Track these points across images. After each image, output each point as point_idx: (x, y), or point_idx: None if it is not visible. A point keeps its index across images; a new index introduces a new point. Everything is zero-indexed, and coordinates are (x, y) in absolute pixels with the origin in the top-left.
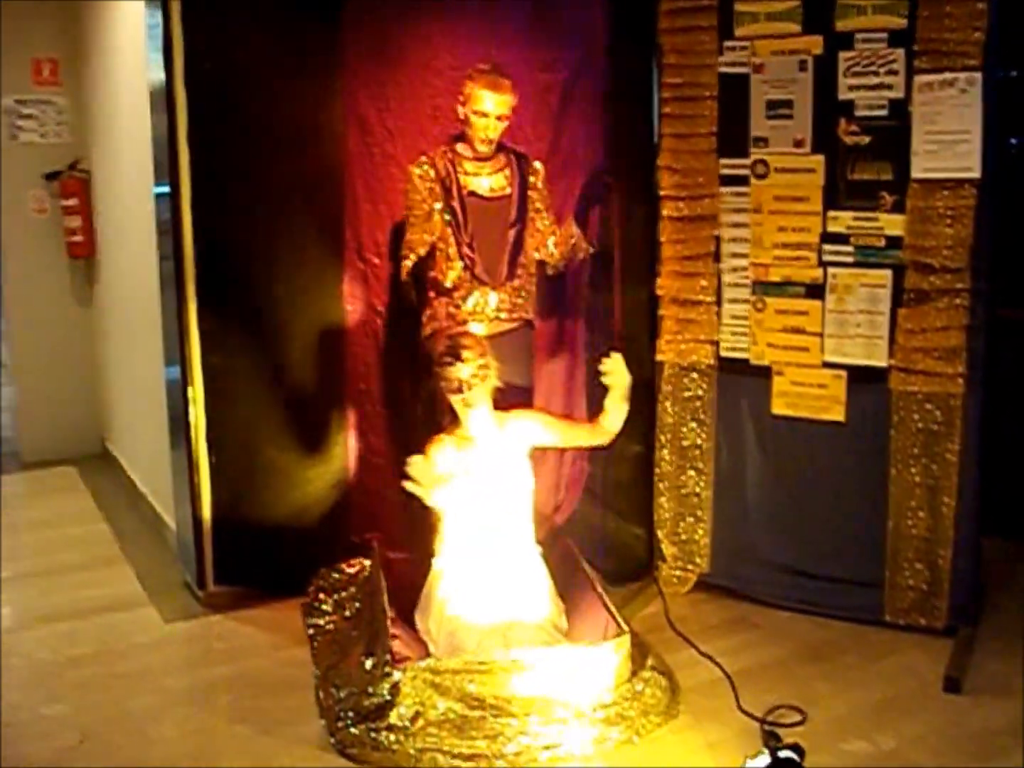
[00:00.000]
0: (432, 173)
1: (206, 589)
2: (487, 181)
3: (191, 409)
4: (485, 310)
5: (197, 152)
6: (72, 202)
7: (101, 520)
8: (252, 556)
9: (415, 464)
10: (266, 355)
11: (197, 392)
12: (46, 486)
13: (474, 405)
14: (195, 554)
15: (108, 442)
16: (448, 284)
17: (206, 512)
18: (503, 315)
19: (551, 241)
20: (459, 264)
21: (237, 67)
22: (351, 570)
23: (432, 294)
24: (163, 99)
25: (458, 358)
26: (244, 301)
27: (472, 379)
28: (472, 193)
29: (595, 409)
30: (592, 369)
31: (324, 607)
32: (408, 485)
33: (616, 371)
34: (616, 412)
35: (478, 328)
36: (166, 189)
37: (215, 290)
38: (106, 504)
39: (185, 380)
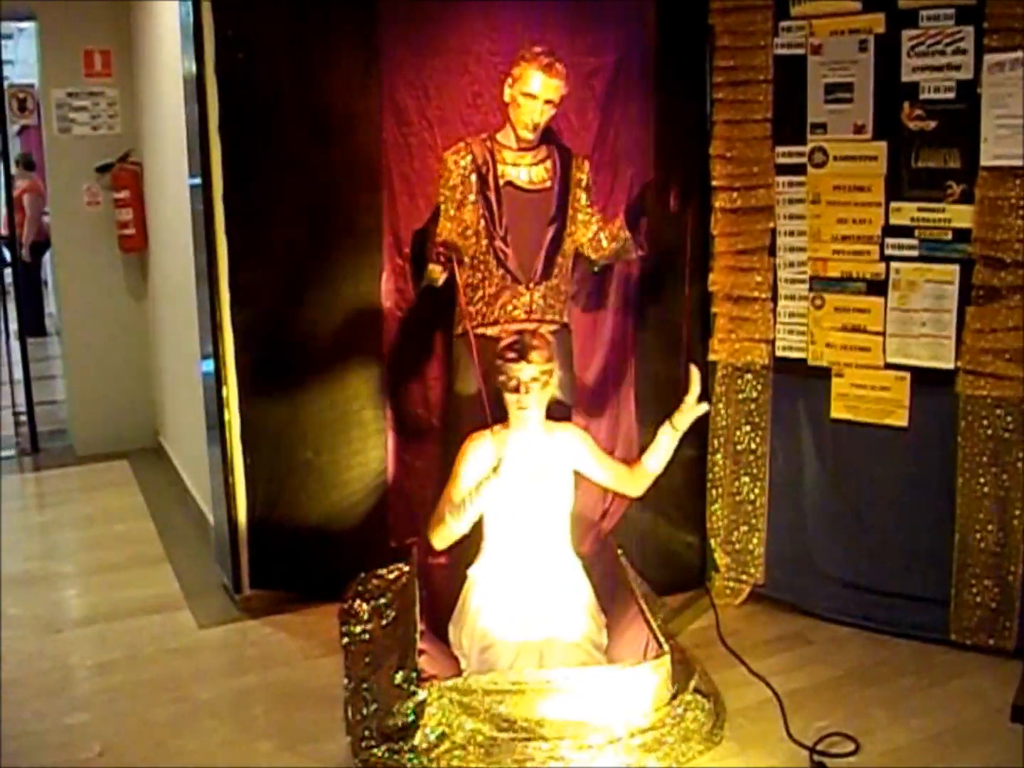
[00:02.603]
0: (468, 160)
1: (242, 593)
2: (527, 172)
3: (225, 408)
4: (517, 311)
5: (229, 144)
6: (124, 195)
7: (148, 517)
8: (289, 560)
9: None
10: (301, 352)
11: (231, 390)
12: (97, 481)
13: (528, 408)
14: (231, 556)
15: (161, 436)
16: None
17: (241, 514)
18: (536, 316)
19: (604, 235)
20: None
21: (270, 56)
22: (390, 576)
23: (463, 291)
24: (194, 90)
25: (524, 356)
26: (278, 297)
27: (532, 382)
28: (510, 184)
29: (645, 414)
30: (642, 373)
31: (361, 614)
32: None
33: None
34: (670, 440)
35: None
36: (198, 181)
37: (248, 285)
38: (155, 500)
39: (219, 378)
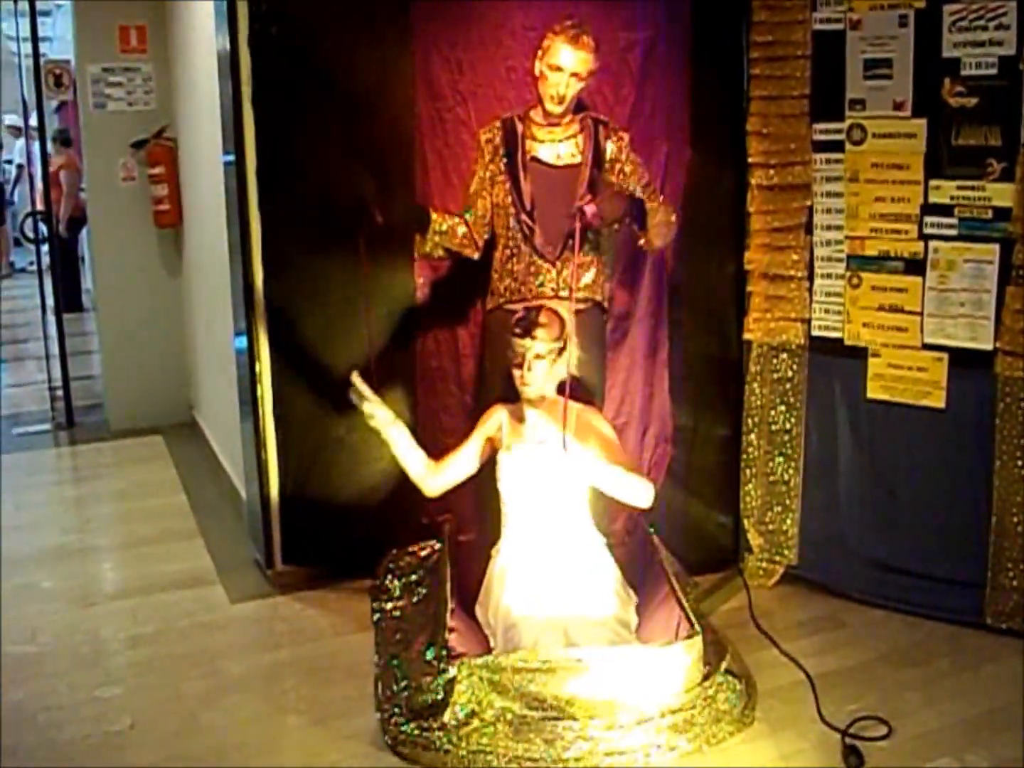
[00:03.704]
0: (499, 137)
1: (274, 568)
2: (555, 148)
3: (258, 383)
4: (544, 287)
5: (262, 119)
6: (158, 170)
7: (181, 492)
8: (320, 535)
9: (355, 376)
10: (335, 329)
11: (264, 365)
12: (131, 455)
13: (531, 385)
14: (263, 532)
15: (195, 411)
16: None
17: (273, 489)
18: (564, 293)
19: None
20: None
21: (304, 31)
22: (422, 553)
23: (493, 268)
24: (228, 65)
25: (529, 333)
26: (312, 273)
27: (536, 360)
28: (536, 159)
29: (679, 391)
30: (676, 349)
31: (392, 591)
32: (352, 394)
33: None
34: None
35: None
36: (231, 157)
37: (282, 261)
38: (188, 475)
39: (252, 354)
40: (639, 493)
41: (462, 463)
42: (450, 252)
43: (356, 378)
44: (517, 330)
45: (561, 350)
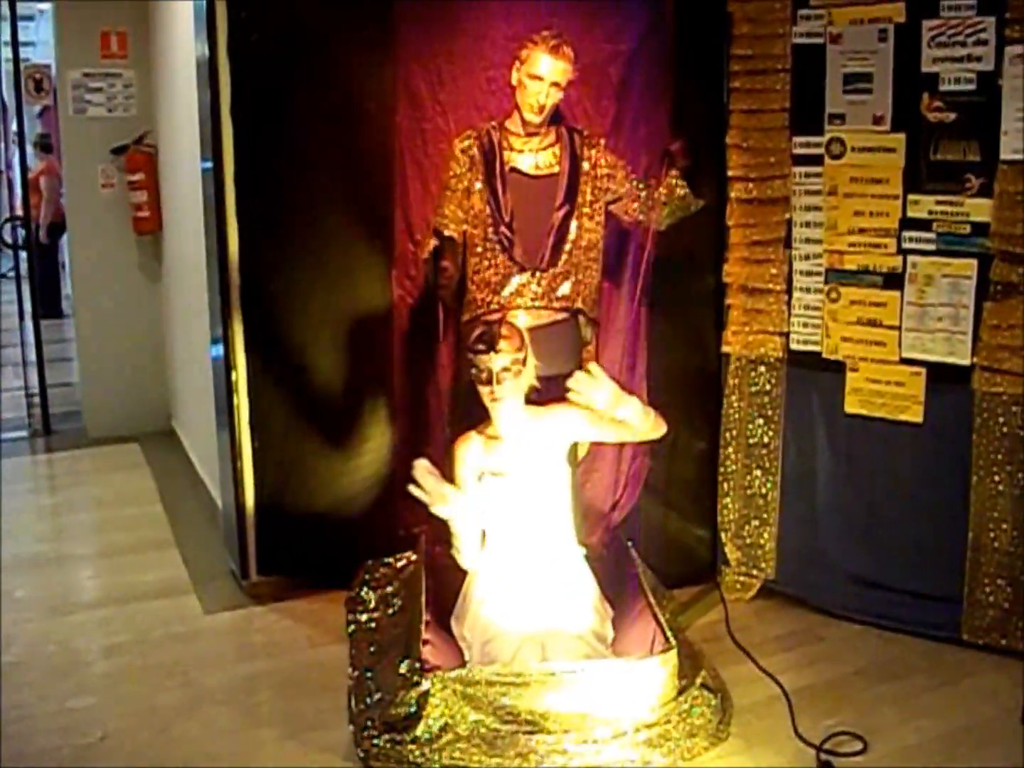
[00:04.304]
0: (476, 147)
1: (249, 579)
2: (533, 158)
3: (234, 392)
4: (523, 298)
5: (241, 127)
6: (138, 177)
7: (158, 501)
8: (296, 546)
9: (419, 470)
10: (311, 338)
11: (240, 374)
12: (108, 463)
13: (501, 399)
14: (238, 542)
15: (173, 420)
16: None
17: (249, 499)
18: (540, 303)
19: (657, 195)
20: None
21: (284, 39)
22: (398, 564)
23: (470, 279)
24: (207, 72)
25: (492, 347)
26: (289, 282)
27: (503, 372)
28: (515, 170)
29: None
30: (654, 363)
31: (368, 602)
32: (414, 491)
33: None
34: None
35: (522, 319)
36: (210, 164)
37: (259, 270)
38: (166, 484)
39: (229, 362)
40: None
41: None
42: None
43: (422, 470)
44: (480, 346)
45: (524, 360)
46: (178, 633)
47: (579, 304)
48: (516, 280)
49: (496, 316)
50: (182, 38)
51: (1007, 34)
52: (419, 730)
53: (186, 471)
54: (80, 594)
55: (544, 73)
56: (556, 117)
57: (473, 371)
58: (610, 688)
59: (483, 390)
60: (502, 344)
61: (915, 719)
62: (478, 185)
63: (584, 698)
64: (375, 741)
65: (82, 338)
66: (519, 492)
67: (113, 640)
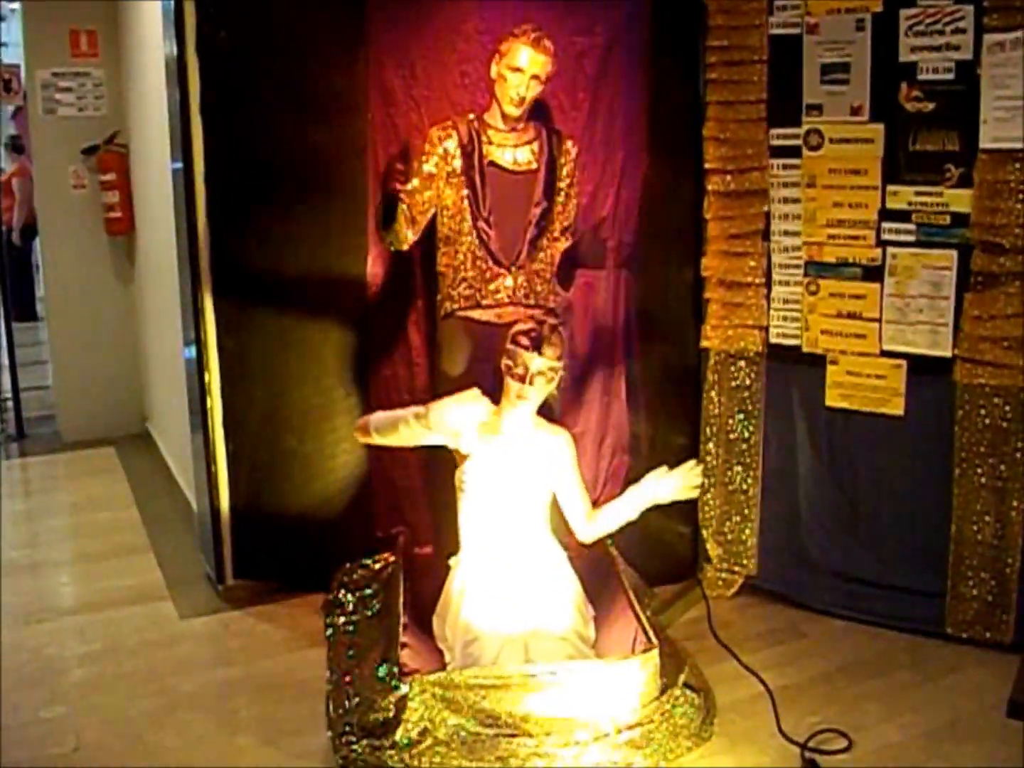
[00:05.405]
0: (454, 137)
1: (225, 583)
2: (511, 154)
3: (208, 394)
4: (500, 294)
5: (211, 125)
6: (109, 177)
7: (133, 505)
8: (273, 549)
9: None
10: (285, 338)
11: (213, 376)
12: (83, 468)
13: (527, 399)
14: (214, 546)
15: (148, 423)
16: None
17: (224, 502)
18: (519, 300)
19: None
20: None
21: (254, 35)
22: (376, 566)
23: (446, 273)
24: (176, 70)
25: (538, 348)
26: (261, 281)
27: (538, 375)
28: (493, 164)
29: (636, 401)
30: (633, 359)
31: (346, 605)
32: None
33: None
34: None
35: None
36: (180, 164)
37: (231, 270)
38: (141, 488)
39: (201, 363)
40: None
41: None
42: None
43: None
44: (525, 342)
45: (558, 371)
46: (153, 639)
47: (551, 302)
48: (496, 282)
49: (552, 321)
50: (151, 36)
51: (985, 22)
52: (398, 735)
53: (161, 475)
54: (54, 601)
55: (525, 65)
56: (536, 114)
57: (507, 363)
58: (592, 689)
59: (512, 385)
60: (547, 349)
61: (899, 715)
62: (455, 179)
63: (566, 700)
64: (354, 747)
65: (55, 341)
66: (501, 491)
67: (87, 647)
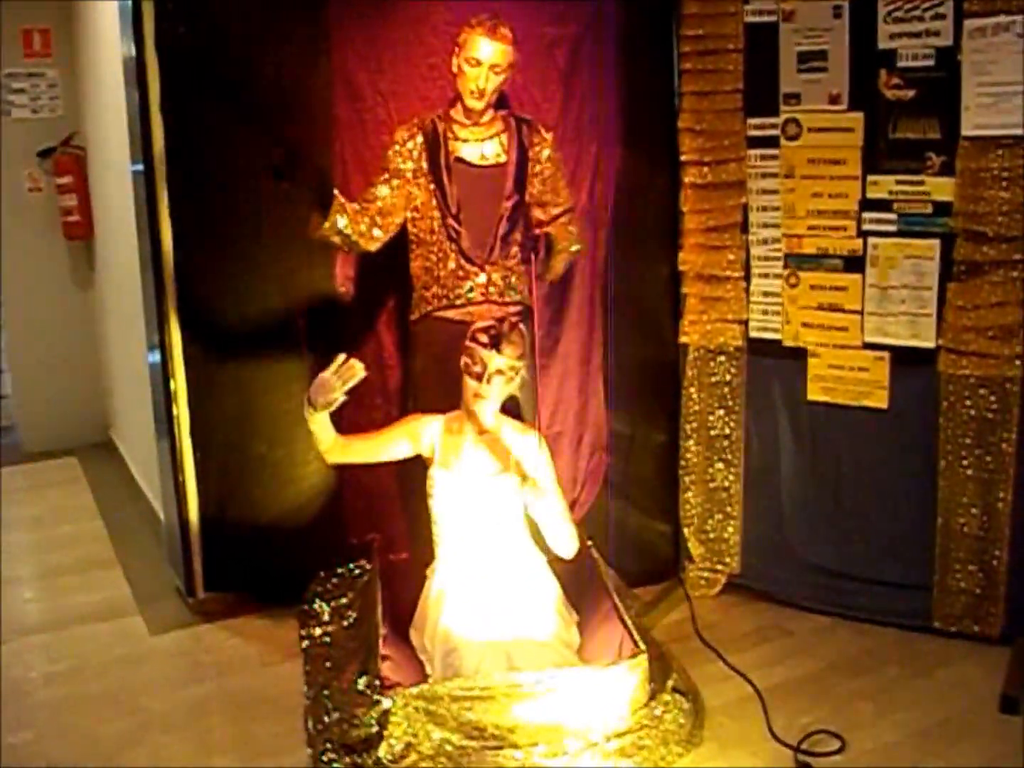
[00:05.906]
0: (419, 136)
1: (195, 596)
2: (479, 148)
3: (173, 401)
4: (473, 292)
5: (172, 125)
6: (67, 180)
7: (98, 517)
8: (244, 560)
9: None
10: (253, 343)
11: (179, 381)
12: (45, 479)
13: (485, 399)
14: (183, 558)
15: (112, 431)
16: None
17: (193, 512)
18: (494, 297)
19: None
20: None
21: (213, 31)
22: (351, 574)
23: (418, 274)
24: (134, 69)
25: (496, 346)
26: (228, 285)
27: (497, 374)
28: (460, 160)
29: (614, 398)
30: (610, 355)
31: (321, 615)
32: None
33: None
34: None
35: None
36: (140, 167)
37: (195, 273)
38: (105, 499)
39: (167, 369)
40: (569, 541)
41: (370, 450)
42: (348, 242)
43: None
44: (484, 339)
45: (519, 371)
46: (123, 656)
47: (526, 299)
48: (470, 281)
49: (514, 317)
50: (108, 34)
51: (966, 7)
52: (381, 751)
53: (127, 485)
54: (18, 619)
55: (483, 57)
56: (503, 104)
57: (466, 361)
58: (579, 697)
59: (470, 384)
60: (506, 347)
61: (892, 713)
62: (422, 179)
63: (553, 709)
64: (335, 764)
65: (14, 349)
66: (476, 496)
67: (53, 667)
